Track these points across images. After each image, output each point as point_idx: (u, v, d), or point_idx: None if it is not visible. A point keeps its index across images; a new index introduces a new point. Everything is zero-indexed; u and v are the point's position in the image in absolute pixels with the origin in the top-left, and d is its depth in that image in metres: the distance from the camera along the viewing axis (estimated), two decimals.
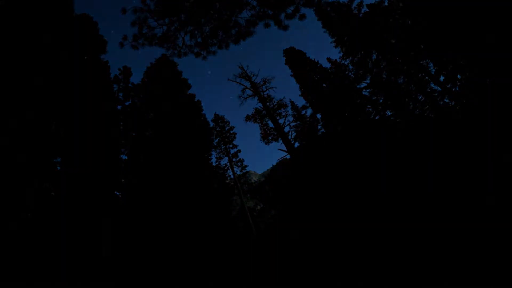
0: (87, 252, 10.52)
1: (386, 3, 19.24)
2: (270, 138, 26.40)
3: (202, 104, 22.04)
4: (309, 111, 24.48)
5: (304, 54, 24.32)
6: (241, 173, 30.29)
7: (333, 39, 21.27)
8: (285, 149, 23.61)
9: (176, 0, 6.50)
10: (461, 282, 6.88)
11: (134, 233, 13.03)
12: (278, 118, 25.34)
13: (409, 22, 17.43)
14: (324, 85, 21.13)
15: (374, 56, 19.07)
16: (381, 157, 14.95)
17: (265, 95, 26.43)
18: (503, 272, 6.39)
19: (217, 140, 30.92)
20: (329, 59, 23.39)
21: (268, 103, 25.97)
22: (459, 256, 8.39)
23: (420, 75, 17.32)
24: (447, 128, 13.72)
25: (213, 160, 32.25)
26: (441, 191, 12.01)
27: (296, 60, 23.78)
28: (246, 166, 30.78)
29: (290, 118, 25.67)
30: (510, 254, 6.81)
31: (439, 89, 16.61)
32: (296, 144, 22.94)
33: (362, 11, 20.61)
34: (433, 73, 17.08)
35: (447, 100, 16.11)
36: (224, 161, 30.70)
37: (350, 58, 20.21)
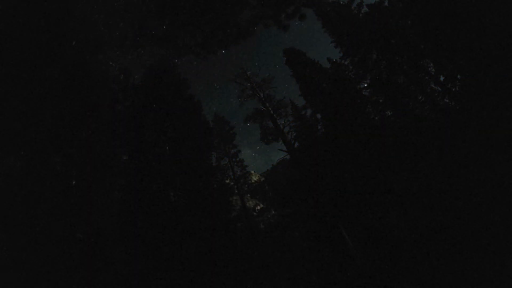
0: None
1: (386, 3, 19.22)
2: (270, 138, 26.37)
3: (201, 104, 22.01)
4: (309, 111, 24.41)
5: (304, 54, 24.27)
6: (241, 173, 30.27)
7: (333, 39, 21.25)
8: (285, 149, 23.60)
9: (176, 0, 6.49)
10: None
11: (132, 233, 13.01)
12: (278, 118, 25.32)
13: (409, 22, 17.41)
14: (324, 85, 21.09)
15: (374, 56, 19.05)
16: (381, 157, 14.94)
17: (265, 95, 26.43)
18: None
19: (217, 140, 30.91)
20: (329, 59, 23.36)
21: (268, 103, 25.96)
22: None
23: (420, 75, 17.30)
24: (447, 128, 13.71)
25: (213, 160, 32.24)
26: (440, 191, 12.00)
27: (296, 60, 23.72)
28: (246, 166, 30.77)
29: (290, 118, 25.60)
30: None
31: (439, 89, 16.59)
32: (296, 144, 22.92)
33: (362, 11, 20.60)
34: (433, 73, 17.07)
35: (447, 100, 16.09)
36: (224, 161, 30.64)
37: (350, 58, 20.18)
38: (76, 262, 10.08)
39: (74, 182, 11.85)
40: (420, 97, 17.07)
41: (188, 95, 20.80)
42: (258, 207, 34.18)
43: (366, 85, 19.29)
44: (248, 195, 33.93)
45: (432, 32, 15.15)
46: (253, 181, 37.31)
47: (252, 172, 39.91)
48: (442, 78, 16.41)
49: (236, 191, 28.09)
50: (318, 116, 22.30)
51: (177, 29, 6.87)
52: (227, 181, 28.32)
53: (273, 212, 31.90)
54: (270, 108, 25.42)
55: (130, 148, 16.74)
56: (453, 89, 15.51)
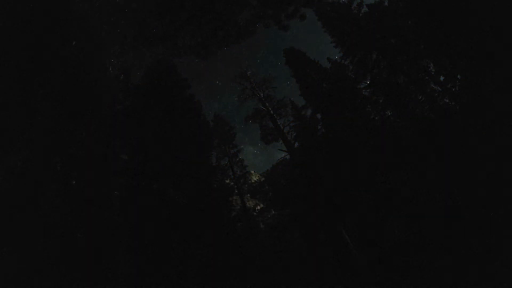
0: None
1: (386, 3, 19.22)
2: (270, 138, 26.36)
3: (202, 104, 21.99)
4: (309, 111, 24.40)
5: (304, 54, 24.27)
6: (241, 173, 30.26)
7: (333, 39, 21.24)
8: (285, 149, 23.60)
9: (176, 0, 6.49)
10: None
11: (132, 233, 13.01)
12: (278, 118, 25.32)
13: (409, 22, 17.41)
14: (324, 85, 21.09)
15: (374, 56, 19.05)
16: (380, 157, 14.93)
17: (265, 95, 26.44)
18: None
19: (217, 140, 30.90)
20: (329, 59, 23.33)
21: (268, 103, 25.96)
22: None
23: (420, 75, 17.29)
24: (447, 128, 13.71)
25: (213, 160, 32.21)
26: (440, 191, 12.00)
27: (296, 60, 23.71)
28: (246, 166, 30.76)
29: (290, 118, 25.61)
30: None
31: (439, 89, 16.59)
32: (296, 144, 22.92)
33: (362, 11, 20.59)
34: (433, 73, 17.07)
35: (447, 100, 16.09)
36: (224, 161, 30.66)
37: (350, 58, 20.18)
38: (76, 262, 10.08)
39: (74, 182, 11.85)
40: (420, 97, 17.07)
41: (188, 95, 20.78)
42: (258, 207, 34.18)
43: (366, 84, 19.29)
44: (248, 195, 33.93)
45: (432, 32, 15.15)
46: (253, 181, 37.32)
47: (252, 172, 39.91)
48: (442, 78, 16.41)
49: (236, 191, 28.07)
50: (318, 116, 22.29)
51: (177, 29, 6.87)
52: (227, 181, 28.31)
53: (273, 212, 31.89)
54: (270, 108, 25.42)
55: (130, 148, 16.73)
56: (453, 89, 15.51)
